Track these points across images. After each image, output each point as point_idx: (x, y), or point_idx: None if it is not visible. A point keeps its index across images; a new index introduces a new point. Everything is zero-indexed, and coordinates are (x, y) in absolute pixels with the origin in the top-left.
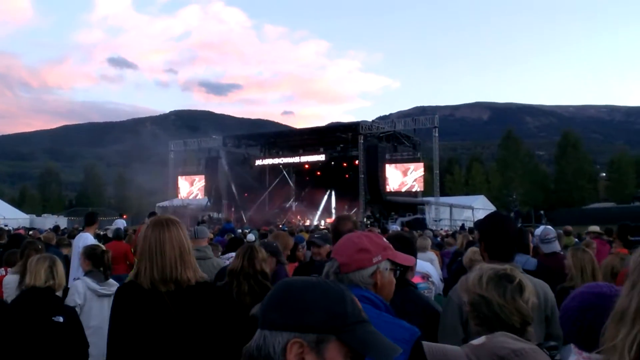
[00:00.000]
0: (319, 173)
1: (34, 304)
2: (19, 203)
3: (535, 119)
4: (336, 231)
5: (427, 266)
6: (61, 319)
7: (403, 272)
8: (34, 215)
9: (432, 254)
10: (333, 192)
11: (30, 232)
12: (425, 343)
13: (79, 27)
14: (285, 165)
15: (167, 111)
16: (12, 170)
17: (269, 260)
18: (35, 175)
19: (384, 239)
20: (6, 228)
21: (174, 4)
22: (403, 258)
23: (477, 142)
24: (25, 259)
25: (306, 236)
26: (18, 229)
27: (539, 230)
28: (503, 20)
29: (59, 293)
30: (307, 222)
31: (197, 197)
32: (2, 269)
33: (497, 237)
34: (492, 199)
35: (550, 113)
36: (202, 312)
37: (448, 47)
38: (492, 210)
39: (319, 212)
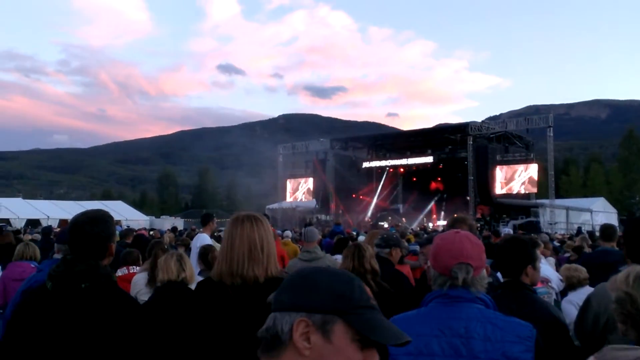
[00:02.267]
0: (426, 175)
1: (172, 297)
2: (139, 205)
3: None
4: None
5: (547, 270)
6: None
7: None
8: (153, 217)
9: (551, 259)
10: (441, 194)
11: (151, 232)
12: None
13: (192, 36)
14: (393, 167)
15: (275, 115)
16: (133, 174)
17: (395, 252)
18: (153, 179)
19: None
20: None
21: (282, 11)
22: None
23: (595, 142)
24: (153, 258)
25: (413, 239)
26: (140, 230)
27: None
28: (622, 11)
29: (192, 286)
30: (415, 225)
31: (305, 200)
32: (124, 268)
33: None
34: (613, 202)
35: None
36: (264, 309)
37: (561, 43)
38: (612, 214)
39: (422, 215)
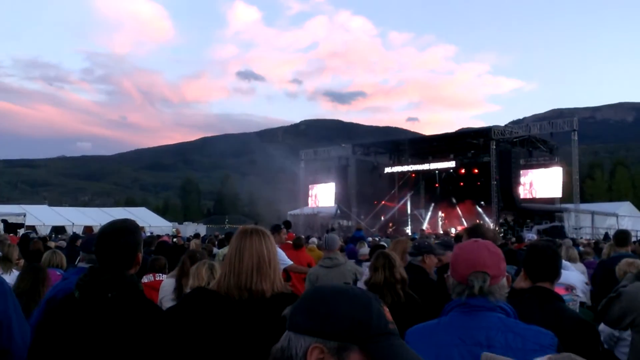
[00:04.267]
0: (449, 180)
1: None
2: (162, 212)
3: None
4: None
5: (572, 277)
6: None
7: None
8: (177, 223)
9: (581, 266)
10: (463, 199)
11: (174, 239)
12: None
13: (214, 43)
14: (415, 172)
15: (296, 121)
16: (156, 181)
17: (428, 259)
18: (176, 185)
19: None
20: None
21: (302, 17)
22: None
23: (621, 145)
24: (182, 265)
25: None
26: (163, 237)
27: None
28: None
29: None
30: (439, 230)
31: (327, 206)
32: (150, 275)
33: None
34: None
35: None
36: (272, 324)
37: (585, 45)
38: (639, 218)
39: (444, 220)
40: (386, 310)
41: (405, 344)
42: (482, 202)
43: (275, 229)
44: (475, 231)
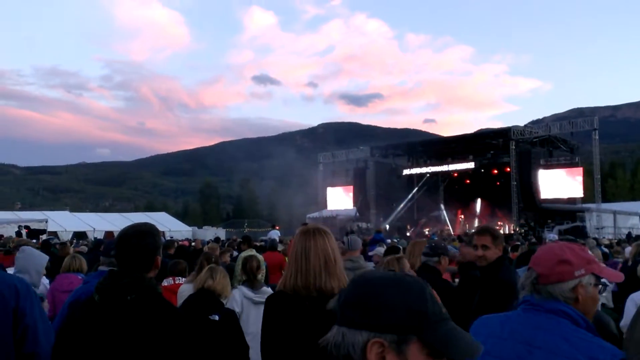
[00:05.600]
0: (468, 181)
1: (195, 304)
2: (182, 216)
3: None
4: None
5: None
6: (217, 317)
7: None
8: (196, 227)
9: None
10: (483, 200)
11: (193, 243)
12: None
13: (231, 48)
14: (433, 174)
15: (315, 124)
16: (176, 186)
17: (444, 261)
18: (196, 190)
19: (589, 253)
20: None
21: (318, 20)
22: (611, 274)
23: None
24: (199, 268)
25: (457, 244)
26: (182, 241)
27: None
28: None
29: (226, 301)
30: (458, 231)
31: (346, 208)
32: (170, 278)
33: None
34: None
35: None
36: None
37: (604, 43)
38: None
39: (464, 221)
40: (436, 294)
41: (458, 327)
42: (503, 203)
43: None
44: (484, 231)
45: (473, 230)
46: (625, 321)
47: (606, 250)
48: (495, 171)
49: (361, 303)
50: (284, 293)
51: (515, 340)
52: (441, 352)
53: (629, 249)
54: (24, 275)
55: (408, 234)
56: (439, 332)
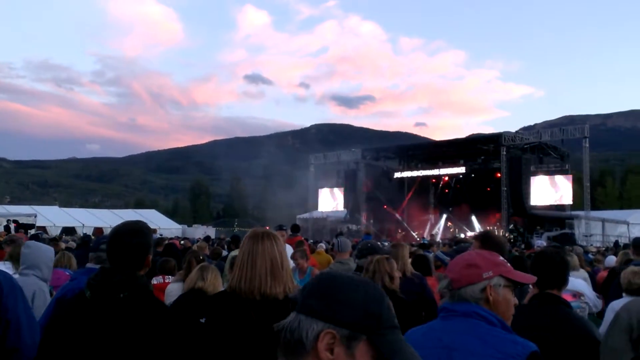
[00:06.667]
0: (458, 186)
1: (185, 305)
2: (172, 214)
3: None
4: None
5: (580, 284)
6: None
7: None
8: (186, 226)
9: (584, 272)
10: (473, 205)
11: (182, 242)
12: None
13: (224, 47)
14: (424, 177)
15: (307, 125)
16: (166, 183)
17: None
18: (186, 188)
19: (500, 257)
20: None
21: (312, 21)
22: (519, 275)
23: (633, 153)
24: (188, 266)
25: (446, 249)
26: (172, 239)
27: None
28: None
29: None
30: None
31: (336, 210)
32: (160, 277)
33: None
34: None
35: None
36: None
37: (596, 51)
38: None
39: (454, 226)
40: (391, 305)
41: (405, 339)
42: (493, 208)
43: (277, 230)
44: (485, 237)
45: (469, 235)
46: (604, 328)
47: (592, 257)
48: (486, 176)
49: (323, 295)
50: (228, 294)
51: (436, 347)
52: (384, 357)
53: (611, 258)
54: (35, 271)
55: (397, 237)
56: (388, 338)
